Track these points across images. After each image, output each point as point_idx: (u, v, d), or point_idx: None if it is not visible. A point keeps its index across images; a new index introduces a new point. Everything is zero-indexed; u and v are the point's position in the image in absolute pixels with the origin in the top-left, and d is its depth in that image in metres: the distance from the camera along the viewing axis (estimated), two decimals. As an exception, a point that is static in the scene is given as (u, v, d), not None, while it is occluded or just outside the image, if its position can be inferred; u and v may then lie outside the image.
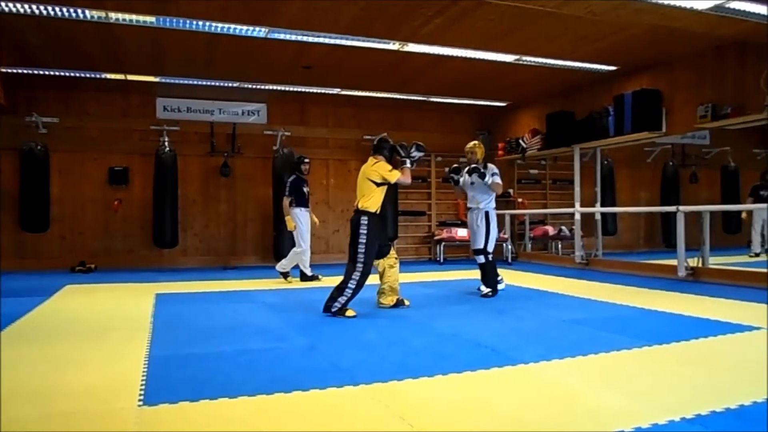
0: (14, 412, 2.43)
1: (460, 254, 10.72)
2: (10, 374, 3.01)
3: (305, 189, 7.27)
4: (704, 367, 3.13)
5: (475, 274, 8.05)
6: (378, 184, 4.94)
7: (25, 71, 7.80)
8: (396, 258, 5.25)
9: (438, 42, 6.70)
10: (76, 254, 8.76)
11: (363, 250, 4.79)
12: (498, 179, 5.93)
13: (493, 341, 3.76)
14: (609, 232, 10.51)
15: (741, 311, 4.77)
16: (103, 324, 4.51)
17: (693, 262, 7.00)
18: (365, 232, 4.81)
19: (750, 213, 9.85)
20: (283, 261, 7.30)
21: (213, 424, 2.31)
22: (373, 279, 5.12)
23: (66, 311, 5.15)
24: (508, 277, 7.15)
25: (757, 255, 9.42)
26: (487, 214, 5.96)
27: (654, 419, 2.28)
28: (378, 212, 4.95)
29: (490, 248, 6.00)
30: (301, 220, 7.13)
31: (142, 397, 2.60)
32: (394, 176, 4.99)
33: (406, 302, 5.26)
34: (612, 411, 2.42)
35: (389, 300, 5.19)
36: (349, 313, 4.76)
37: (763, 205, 8.97)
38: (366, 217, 4.86)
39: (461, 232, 10.02)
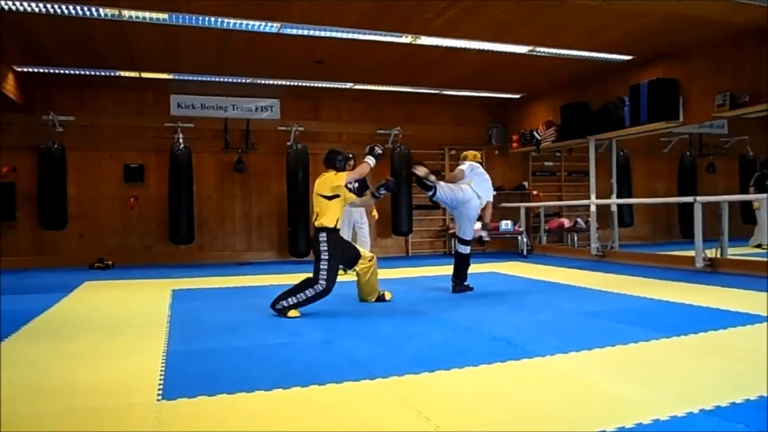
0: (35, 407, 2.46)
1: (475, 248, 10.64)
2: (31, 370, 3.06)
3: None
4: (723, 359, 3.09)
5: (490, 267, 8.09)
6: (329, 198, 4.64)
7: (40, 70, 7.89)
8: (369, 260, 5.01)
9: (450, 34, 6.65)
10: (94, 251, 8.86)
11: (325, 267, 4.53)
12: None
13: (509, 334, 3.74)
14: (625, 224, 10.40)
15: (760, 302, 4.69)
16: (122, 320, 4.56)
17: (711, 253, 6.91)
18: (326, 248, 4.56)
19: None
20: None
21: (231, 419, 2.32)
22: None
23: (85, 307, 5.21)
24: (524, 269, 7.12)
25: (759, 246, 9.17)
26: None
27: (673, 411, 2.26)
28: (336, 227, 4.67)
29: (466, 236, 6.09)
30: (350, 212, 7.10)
31: (160, 392, 2.62)
32: (341, 178, 4.66)
33: (387, 296, 5.18)
34: (630, 403, 2.40)
35: (370, 299, 5.12)
36: (293, 313, 4.46)
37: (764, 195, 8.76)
38: (324, 234, 4.61)
39: (475, 226, 9.95)
